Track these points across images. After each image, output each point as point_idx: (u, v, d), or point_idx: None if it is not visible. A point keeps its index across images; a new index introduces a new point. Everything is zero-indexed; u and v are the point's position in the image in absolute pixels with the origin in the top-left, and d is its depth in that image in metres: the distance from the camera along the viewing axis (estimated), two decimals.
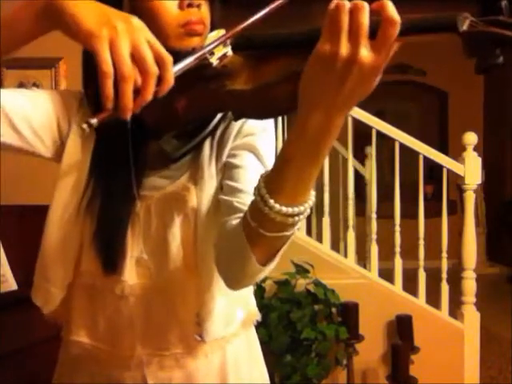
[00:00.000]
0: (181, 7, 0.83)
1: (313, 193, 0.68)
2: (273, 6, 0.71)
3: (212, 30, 0.87)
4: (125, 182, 0.88)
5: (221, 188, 0.88)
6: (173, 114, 0.81)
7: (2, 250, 1.92)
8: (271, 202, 0.65)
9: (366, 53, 0.56)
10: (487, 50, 0.58)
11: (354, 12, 0.56)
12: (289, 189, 0.65)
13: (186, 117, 0.82)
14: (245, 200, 0.81)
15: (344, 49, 0.56)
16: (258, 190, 0.67)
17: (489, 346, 3.63)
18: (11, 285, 1.91)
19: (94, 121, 0.59)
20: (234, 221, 0.79)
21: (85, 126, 0.59)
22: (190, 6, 0.83)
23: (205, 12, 0.86)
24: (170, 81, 0.63)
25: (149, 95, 0.62)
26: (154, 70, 0.62)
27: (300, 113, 0.62)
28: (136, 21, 0.64)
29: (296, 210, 0.66)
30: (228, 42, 0.75)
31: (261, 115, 0.79)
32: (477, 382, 3.02)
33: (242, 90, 0.73)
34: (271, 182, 0.66)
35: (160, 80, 0.63)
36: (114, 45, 0.60)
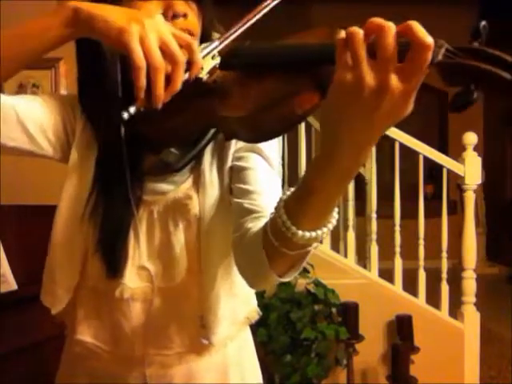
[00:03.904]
0: (165, 18, 0.82)
1: (336, 209, 0.66)
2: (259, 10, 0.71)
3: (204, 34, 0.87)
4: (125, 189, 0.88)
5: (230, 192, 0.89)
6: (170, 130, 0.81)
7: (2, 250, 1.92)
8: (293, 228, 0.63)
9: (395, 79, 0.51)
10: (462, 85, 0.52)
11: (378, 34, 0.50)
12: (313, 217, 0.64)
13: (182, 132, 0.82)
14: (257, 201, 0.82)
15: (368, 76, 0.51)
16: (279, 215, 0.65)
17: (489, 346, 3.63)
18: (11, 285, 1.91)
19: (132, 109, 0.65)
20: (250, 223, 0.79)
21: (125, 114, 0.65)
22: (175, 16, 0.82)
23: (192, 20, 0.84)
24: (198, 63, 0.70)
25: (179, 83, 0.67)
26: (181, 58, 0.67)
27: (325, 146, 0.58)
28: (158, 16, 0.72)
29: (319, 232, 0.65)
30: (216, 54, 0.74)
31: (252, 139, 0.78)
32: (477, 382, 3.02)
33: (232, 117, 0.72)
34: (293, 210, 0.64)
35: (189, 64, 0.69)
36: (144, 39, 0.65)
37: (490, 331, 3.85)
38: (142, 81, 0.64)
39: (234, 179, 0.88)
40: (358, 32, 0.52)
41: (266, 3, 0.73)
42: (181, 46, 0.68)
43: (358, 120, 0.53)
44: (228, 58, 0.74)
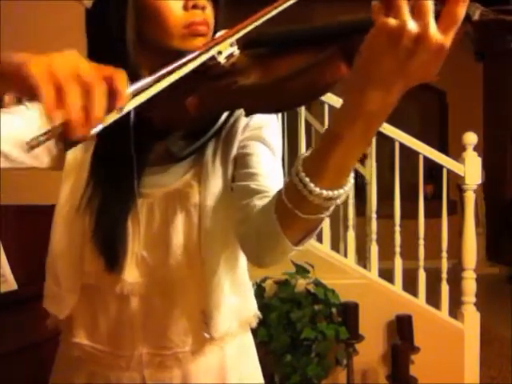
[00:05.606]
0: (186, 8, 0.84)
1: (351, 175, 0.66)
2: (279, 6, 0.70)
3: (215, 32, 0.88)
4: (125, 179, 0.88)
5: (233, 179, 0.89)
6: (183, 114, 0.81)
7: (2, 250, 1.91)
8: (311, 185, 0.63)
9: (434, 30, 0.54)
10: (499, 37, 0.59)
11: None
12: (331, 172, 0.63)
13: (196, 116, 0.82)
14: (262, 182, 0.82)
15: (411, 24, 0.54)
16: (296, 172, 0.65)
17: (489, 346, 3.63)
18: (11, 285, 1.90)
19: (43, 138, 0.54)
20: (257, 201, 0.79)
21: (33, 142, 0.54)
22: (194, 7, 0.84)
23: (209, 14, 0.87)
24: (122, 93, 0.58)
25: (98, 113, 0.56)
26: (96, 83, 0.56)
27: (355, 88, 0.59)
28: (73, 52, 0.59)
29: (336, 193, 0.64)
30: (234, 42, 0.75)
31: (273, 109, 0.79)
32: (477, 382, 3.02)
33: (254, 85, 0.73)
34: (311, 165, 0.64)
35: (112, 95, 0.58)
36: (49, 67, 0.55)
37: (490, 331, 3.85)
38: (50, 102, 0.54)
39: (238, 166, 0.89)
40: None
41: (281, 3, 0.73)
42: (103, 78, 0.57)
43: (392, 64, 0.55)
44: (251, 37, 0.75)
